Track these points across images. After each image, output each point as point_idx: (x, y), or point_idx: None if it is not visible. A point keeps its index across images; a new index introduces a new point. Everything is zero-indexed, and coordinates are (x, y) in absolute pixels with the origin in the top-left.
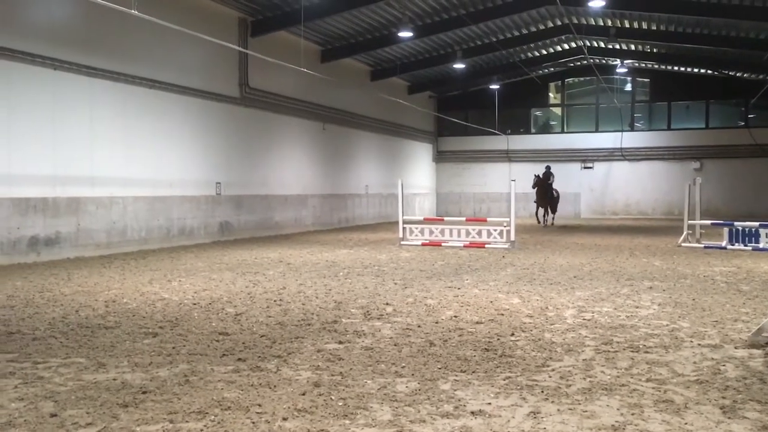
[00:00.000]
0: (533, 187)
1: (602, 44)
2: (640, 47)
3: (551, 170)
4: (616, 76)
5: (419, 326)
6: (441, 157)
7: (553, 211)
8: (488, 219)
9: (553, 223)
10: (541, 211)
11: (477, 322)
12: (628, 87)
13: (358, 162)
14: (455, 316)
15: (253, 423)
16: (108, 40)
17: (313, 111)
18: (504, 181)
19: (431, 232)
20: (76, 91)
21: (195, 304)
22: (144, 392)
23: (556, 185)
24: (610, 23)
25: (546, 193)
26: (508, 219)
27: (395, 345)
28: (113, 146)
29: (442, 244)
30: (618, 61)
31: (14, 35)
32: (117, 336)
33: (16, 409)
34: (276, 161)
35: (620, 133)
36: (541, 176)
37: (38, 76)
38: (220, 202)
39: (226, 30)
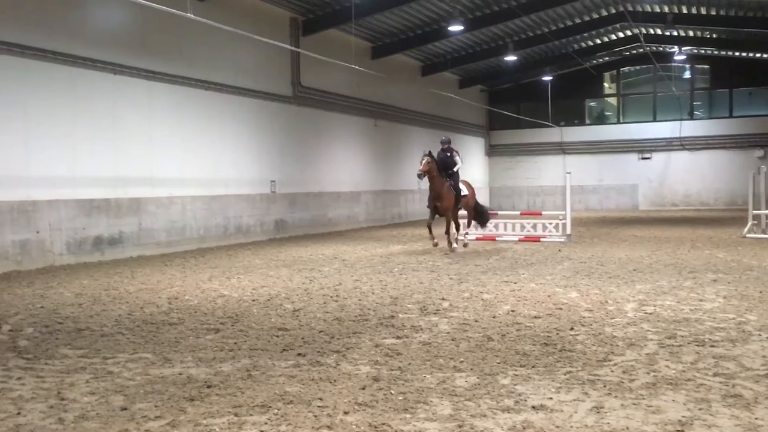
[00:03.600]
0: (419, 176)
1: (659, 31)
2: (698, 33)
3: (452, 146)
4: (673, 64)
5: (476, 321)
6: (493, 150)
7: (470, 222)
8: (543, 212)
9: (455, 243)
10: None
11: (535, 317)
12: (687, 74)
13: (411, 157)
14: (512, 311)
15: (315, 417)
16: (165, 43)
17: (365, 108)
18: (558, 174)
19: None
20: (135, 94)
21: (254, 300)
22: (209, 386)
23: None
24: (667, 9)
25: (443, 187)
26: (563, 212)
27: (453, 340)
28: (171, 147)
29: (497, 238)
30: (676, 48)
31: (77, 42)
32: (181, 332)
33: (88, 402)
34: (328, 158)
35: (679, 122)
36: (435, 156)
37: (99, 81)
38: (274, 200)
39: (278, 30)
